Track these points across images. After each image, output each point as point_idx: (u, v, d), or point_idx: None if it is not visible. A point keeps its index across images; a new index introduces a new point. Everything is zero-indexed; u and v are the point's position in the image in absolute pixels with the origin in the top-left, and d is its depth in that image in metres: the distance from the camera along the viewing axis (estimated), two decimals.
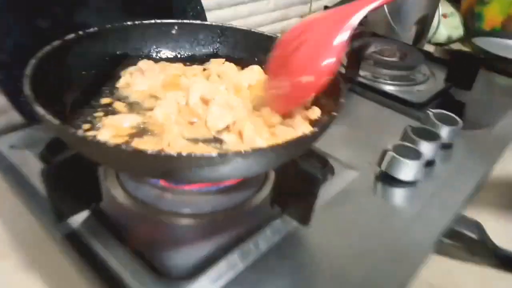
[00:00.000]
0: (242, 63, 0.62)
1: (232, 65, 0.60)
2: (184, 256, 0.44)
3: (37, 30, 0.62)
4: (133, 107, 0.53)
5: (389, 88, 0.85)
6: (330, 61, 0.40)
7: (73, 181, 0.44)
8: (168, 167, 0.35)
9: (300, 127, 0.47)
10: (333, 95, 0.49)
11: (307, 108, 0.52)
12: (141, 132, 0.47)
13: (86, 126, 0.48)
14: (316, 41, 0.41)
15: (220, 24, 0.64)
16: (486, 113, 0.81)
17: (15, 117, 0.62)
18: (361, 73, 0.86)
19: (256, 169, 0.40)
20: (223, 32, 0.64)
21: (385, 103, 0.80)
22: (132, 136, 0.46)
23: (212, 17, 0.89)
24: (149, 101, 0.53)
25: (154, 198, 0.49)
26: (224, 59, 0.62)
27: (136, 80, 0.56)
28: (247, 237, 0.46)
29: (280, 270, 0.44)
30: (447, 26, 1.28)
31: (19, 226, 0.50)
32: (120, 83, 0.56)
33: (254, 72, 0.60)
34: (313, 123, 0.50)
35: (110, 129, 0.44)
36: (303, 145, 0.41)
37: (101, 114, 0.50)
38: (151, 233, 0.47)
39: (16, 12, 0.60)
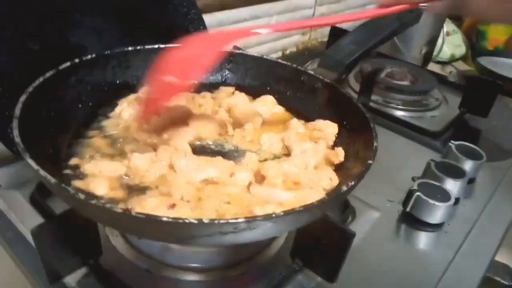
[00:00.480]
0: (253, 92, 0.57)
1: (243, 95, 0.55)
2: None
3: (28, 53, 0.56)
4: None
5: (401, 113, 0.80)
6: (196, 71, 0.43)
7: (69, 237, 0.38)
8: (186, 234, 0.30)
9: (324, 175, 0.41)
10: (360, 135, 0.44)
11: (331, 147, 0.47)
12: (138, 187, 0.39)
13: (75, 161, 0.42)
14: (189, 54, 0.43)
15: (230, 50, 0.59)
16: (505, 141, 0.77)
17: (1, 151, 0.55)
18: (372, 97, 0.82)
19: (284, 229, 0.35)
20: (233, 58, 0.58)
21: (398, 130, 0.75)
22: (127, 188, 0.39)
23: None
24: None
25: (160, 250, 0.44)
26: (233, 88, 0.57)
27: (132, 110, 0.50)
28: None
29: None
30: (450, 44, 1.26)
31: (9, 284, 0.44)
32: (114, 112, 0.50)
33: (267, 103, 0.55)
34: (336, 166, 0.45)
35: (103, 182, 0.38)
36: (337, 199, 0.36)
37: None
38: None
39: (2, 33, 0.54)
